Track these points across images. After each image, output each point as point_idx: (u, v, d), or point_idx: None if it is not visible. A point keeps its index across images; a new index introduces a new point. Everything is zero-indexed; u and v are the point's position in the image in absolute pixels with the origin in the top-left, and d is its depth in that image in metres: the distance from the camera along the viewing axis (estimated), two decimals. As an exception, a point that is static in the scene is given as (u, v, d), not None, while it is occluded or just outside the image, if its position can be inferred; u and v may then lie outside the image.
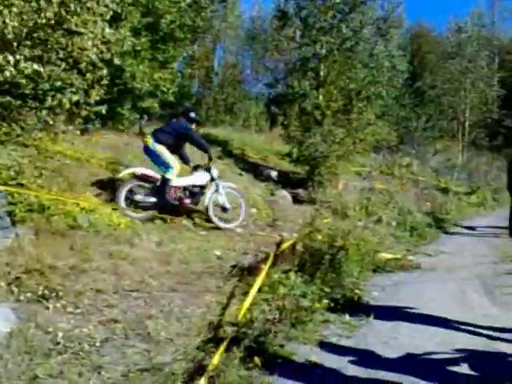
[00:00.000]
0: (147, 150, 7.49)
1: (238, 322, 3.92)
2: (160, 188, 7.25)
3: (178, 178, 7.50)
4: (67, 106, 7.12)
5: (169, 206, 7.35)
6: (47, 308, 3.84)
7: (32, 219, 5.52)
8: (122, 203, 6.96)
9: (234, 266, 5.54)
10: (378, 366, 3.44)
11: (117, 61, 7.94)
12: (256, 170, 12.11)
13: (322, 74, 12.23)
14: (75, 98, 7.16)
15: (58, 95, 7.05)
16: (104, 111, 7.89)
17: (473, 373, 3.40)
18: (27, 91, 6.94)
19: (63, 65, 6.92)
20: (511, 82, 30.05)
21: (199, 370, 3.17)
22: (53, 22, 6.45)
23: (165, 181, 7.27)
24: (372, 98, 12.54)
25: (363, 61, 13.09)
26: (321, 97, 11.82)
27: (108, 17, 7.16)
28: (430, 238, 8.77)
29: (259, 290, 4.62)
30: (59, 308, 3.88)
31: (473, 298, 5.25)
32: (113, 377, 3.05)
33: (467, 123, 24.87)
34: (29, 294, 3.94)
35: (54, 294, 4.02)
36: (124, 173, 7.35)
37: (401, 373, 3.33)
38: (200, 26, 14.59)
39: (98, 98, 7.77)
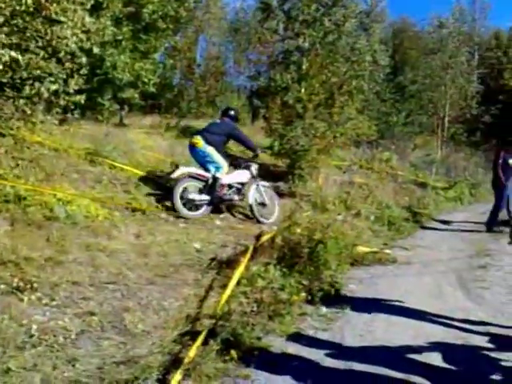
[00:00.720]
0: (195, 151, 7.90)
1: (216, 314, 3.93)
2: (211, 186, 7.67)
3: (225, 176, 7.99)
4: (45, 95, 6.99)
5: (220, 202, 7.99)
6: (22, 300, 3.78)
7: (8, 210, 5.43)
8: (178, 202, 7.30)
9: (212, 259, 5.54)
10: (354, 359, 3.48)
11: (96, 50, 7.81)
12: (236, 163, 12.06)
13: (304, 67, 12.20)
14: (54, 87, 7.03)
15: (37, 84, 6.92)
16: (83, 101, 7.77)
17: (446, 365, 3.47)
18: (5, 80, 6.79)
19: (42, 53, 6.78)
20: (490, 78, 30.54)
21: (175, 362, 3.17)
22: (32, 9, 6.31)
23: (215, 179, 7.70)
24: (353, 93, 12.55)
25: (345, 55, 13.10)
26: (303, 90, 11.79)
27: (89, 5, 7.04)
28: (408, 232, 8.87)
29: (238, 283, 4.63)
30: (34, 300, 3.82)
31: (448, 292, 5.35)
32: (88, 369, 3.03)
33: (446, 119, 25.12)
34: (3, 286, 3.87)
35: (29, 286, 3.95)
36: (178, 173, 7.63)
37: (376, 365, 3.38)
38: (182, 16, 14.48)
39: (77, 88, 7.64)
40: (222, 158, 7.90)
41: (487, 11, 32.08)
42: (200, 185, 7.68)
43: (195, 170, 7.82)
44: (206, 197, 7.60)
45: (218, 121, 8.36)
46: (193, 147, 7.89)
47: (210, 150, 7.76)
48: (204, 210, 7.62)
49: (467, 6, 30.65)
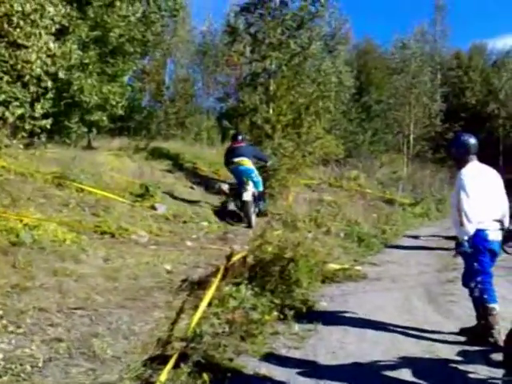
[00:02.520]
0: (242, 170, 9.57)
1: (187, 337, 3.89)
2: (258, 198, 9.61)
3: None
4: (11, 119, 6.89)
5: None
6: (-13, 328, 3.68)
7: (-29, 237, 5.29)
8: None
9: (184, 280, 5.49)
10: (326, 376, 3.50)
11: (62, 74, 7.74)
12: (208, 184, 12.08)
13: (271, 88, 12.44)
14: (19, 111, 6.94)
15: (1, 108, 6.81)
16: (49, 126, 7.67)
17: (416, 380, 3.51)
18: (-32, 105, 6.68)
19: (6, 78, 6.70)
20: (453, 96, 31.61)
21: (146, 387, 3.12)
22: (-5, 34, 6.25)
23: (260, 193, 9.69)
24: (320, 113, 12.82)
25: (311, 76, 13.40)
26: (271, 111, 11.99)
27: (53, 30, 7.00)
28: (377, 249, 8.99)
29: (209, 304, 4.60)
30: (0, 328, 3.72)
31: (417, 306, 5.43)
32: (56, 398, 2.96)
33: (412, 136, 25.81)
34: (-34, 315, 3.77)
35: (-6, 314, 3.85)
36: (250, 192, 9.25)
37: (348, 382, 3.41)
38: (150, 40, 14.54)
39: (43, 112, 7.56)
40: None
41: (447, 32, 33.31)
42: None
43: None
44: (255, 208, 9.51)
45: (243, 146, 9.93)
46: (242, 167, 9.58)
47: (254, 169, 9.65)
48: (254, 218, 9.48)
49: (428, 27, 31.82)
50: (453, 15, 53.77)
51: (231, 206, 9.73)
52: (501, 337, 3.98)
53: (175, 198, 9.78)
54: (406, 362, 3.78)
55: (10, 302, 4.15)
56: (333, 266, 6.58)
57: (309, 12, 13.16)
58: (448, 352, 4.01)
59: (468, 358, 3.90)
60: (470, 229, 4.11)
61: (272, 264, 5.43)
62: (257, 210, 9.71)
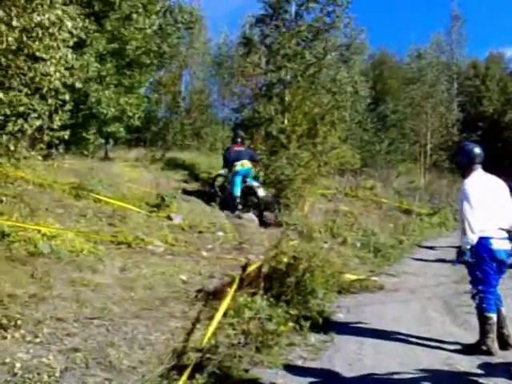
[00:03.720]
0: (246, 170, 10.60)
1: (203, 347, 3.89)
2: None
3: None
4: (29, 131, 7.01)
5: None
6: (5, 338, 3.72)
7: (-9, 247, 5.38)
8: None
9: (199, 291, 5.50)
10: (342, 388, 3.47)
11: (79, 85, 7.85)
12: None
13: (286, 99, 12.47)
14: (37, 123, 7.06)
15: (20, 121, 6.94)
16: (67, 137, 7.79)
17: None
18: (-12, 117, 6.81)
19: (25, 90, 6.82)
20: (470, 105, 31.33)
21: (162, 397, 3.12)
22: (14, 47, 6.37)
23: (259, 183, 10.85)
24: (336, 123, 12.79)
25: (326, 86, 13.40)
26: (286, 121, 12.01)
27: (71, 43, 7.12)
28: (394, 259, 8.89)
29: (225, 314, 4.60)
30: (18, 337, 3.76)
31: (435, 318, 5.36)
32: (72, 408, 2.97)
33: (429, 146, 25.60)
34: (-15, 324, 3.81)
35: (12, 324, 3.89)
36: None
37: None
38: (166, 52, 14.73)
39: (61, 123, 7.68)
40: None
41: (464, 42, 33.08)
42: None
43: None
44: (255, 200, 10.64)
45: (244, 148, 11.05)
46: (244, 168, 10.56)
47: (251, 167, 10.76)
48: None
49: (444, 36, 31.64)
50: (469, 24, 53.33)
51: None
52: (494, 345, 4.12)
53: (191, 208, 9.82)
54: (423, 374, 3.73)
55: (28, 311, 4.20)
56: (349, 276, 6.53)
57: (324, 23, 13.20)
58: (467, 364, 3.95)
59: (489, 370, 3.83)
60: (473, 238, 4.16)
61: (287, 274, 5.41)
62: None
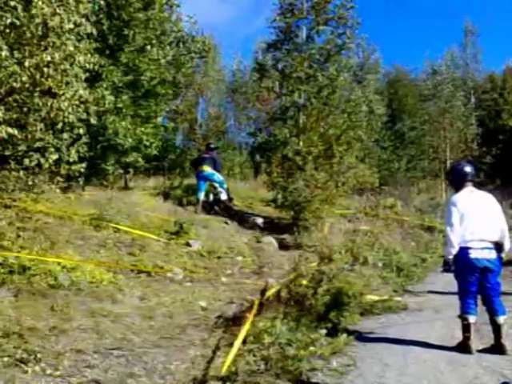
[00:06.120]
0: (203, 175, 11.71)
1: (223, 375, 3.84)
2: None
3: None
4: (46, 165, 7.15)
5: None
6: (26, 372, 3.72)
7: (12, 281, 5.44)
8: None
9: (218, 317, 5.47)
10: (366, 413, 3.37)
11: (94, 121, 8.00)
12: (241, 218, 12.12)
13: (301, 121, 12.53)
14: (54, 157, 7.20)
15: (36, 155, 7.09)
16: (83, 169, 7.94)
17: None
18: (8, 152, 6.98)
19: (40, 126, 6.98)
20: (489, 119, 30.98)
21: (181, 428, 3.08)
22: (28, 85, 6.55)
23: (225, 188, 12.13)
24: (352, 142, 12.77)
25: (340, 107, 13.42)
26: (301, 143, 12.04)
27: (83, 77, 7.28)
28: (417, 278, 8.74)
29: (244, 341, 4.55)
30: (38, 371, 3.76)
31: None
32: None
33: (448, 162, 25.32)
34: (6, 359, 3.82)
35: (32, 357, 3.90)
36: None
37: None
38: (181, 81, 14.98)
39: (77, 156, 7.83)
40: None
41: (479, 56, 32.96)
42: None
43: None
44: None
45: (209, 154, 12.14)
46: (203, 173, 11.70)
47: (214, 172, 11.84)
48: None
49: (459, 51, 31.60)
50: (484, 38, 53.39)
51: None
52: (472, 345, 4.59)
53: (209, 233, 9.84)
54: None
55: (48, 344, 4.22)
56: (371, 297, 6.43)
57: (335, 45, 13.30)
58: (496, 385, 3.81)
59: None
60: (452, 250, 4.68)
61: (307, 297, 5.35)
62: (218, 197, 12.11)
